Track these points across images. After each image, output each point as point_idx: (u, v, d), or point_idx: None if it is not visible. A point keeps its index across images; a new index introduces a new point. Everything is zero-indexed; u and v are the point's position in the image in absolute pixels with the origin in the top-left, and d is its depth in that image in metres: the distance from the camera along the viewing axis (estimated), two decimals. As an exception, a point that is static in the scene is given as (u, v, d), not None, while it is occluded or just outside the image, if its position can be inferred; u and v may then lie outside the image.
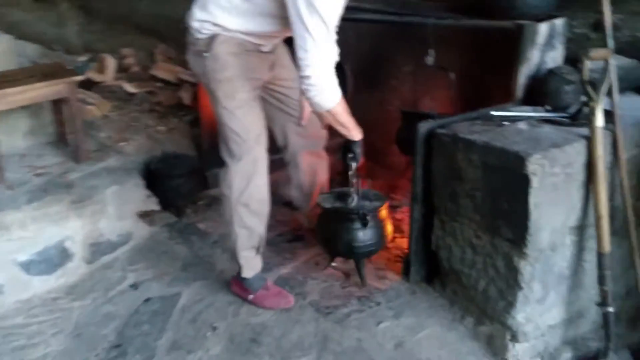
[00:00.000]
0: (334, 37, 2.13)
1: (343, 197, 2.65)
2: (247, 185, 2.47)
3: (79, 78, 3.22)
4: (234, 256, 2.61)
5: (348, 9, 2.54)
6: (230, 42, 2.32)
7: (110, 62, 4.36)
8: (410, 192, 3.30)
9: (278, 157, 2.92)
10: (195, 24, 2.35)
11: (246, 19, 2.28)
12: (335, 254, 2.76)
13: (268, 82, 2.59)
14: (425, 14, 2.96)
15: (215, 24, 2.30)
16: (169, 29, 4.77)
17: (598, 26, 2.74)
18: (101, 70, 4.34)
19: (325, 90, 2.18)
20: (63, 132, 3.39)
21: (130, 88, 4.13)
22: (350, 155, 2.50)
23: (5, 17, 4.45)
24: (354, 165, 2.52)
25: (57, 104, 3.30)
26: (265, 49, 2.44)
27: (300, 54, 2.11)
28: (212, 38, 2.33)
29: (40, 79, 3.04)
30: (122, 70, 4.52)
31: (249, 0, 2.25)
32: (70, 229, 2.89)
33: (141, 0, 4.67)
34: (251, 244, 2.58)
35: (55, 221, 2.85)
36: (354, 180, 2.58)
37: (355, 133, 2.45)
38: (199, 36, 2.35)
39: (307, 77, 2.14)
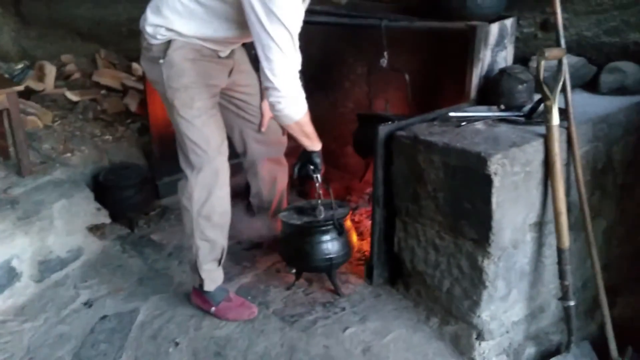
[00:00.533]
0: (297, 44, 2.06)
1: (304, 210, 2.60)
2: (208, 197, 2.39)
3: (19, 88, 3.06)
4: (195, 269, 2.52)
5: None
6: (187, 47, 2.22)
7: (50, 70, 4.17)
8: (367, 194, 3.36)
9: (237, 161, 2.86)
10: (148, 29, 2.23)
11: (202, 24, 2.19)
12: (307, 270, 2.66)
13: (226, 89, 2.52)
14: (377, 16, 2.97)
15: (169, 29, 2.20)
16: (111, 34, 4.62)
17: (545, 25, 2.83)
18: (40, 78, 4.14)
19: (294, 102, 2.13)
20: (4, 145, 3.21)
21: (72, 96, 3.96)
22: (311, 166, 2.44)
23: None
24: (317, 176, 2.47)
25: (-4, 116, 3.13)
26: (223, 54, 2.37)
27: (265, 63, 2.04)
28: (167, 44, 2.23)
29: (-23, 90, 2.87)
30: (62, 77, 4.34)
31: (205, 4, 2.15)
32: (16, 247, 2.74)
33: (80, 4, 4.48)
34: (213, 257, 2.50)
35: (0, 240, 2.69)
36: (318, 192, 2.52)
37: (316, 143, 2.41)
38: (153, 42, 2.24)
39: (276, 89, 2.07)
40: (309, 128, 2.31)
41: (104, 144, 3.57)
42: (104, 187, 3.24)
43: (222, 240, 2.50)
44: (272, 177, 2.86)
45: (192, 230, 2.44)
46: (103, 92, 4.12)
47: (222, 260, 2.57)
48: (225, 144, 2.42)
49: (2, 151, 3.23)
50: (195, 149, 2.33)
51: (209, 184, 2.37)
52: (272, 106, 2.15)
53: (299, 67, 2.11)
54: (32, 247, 2.80)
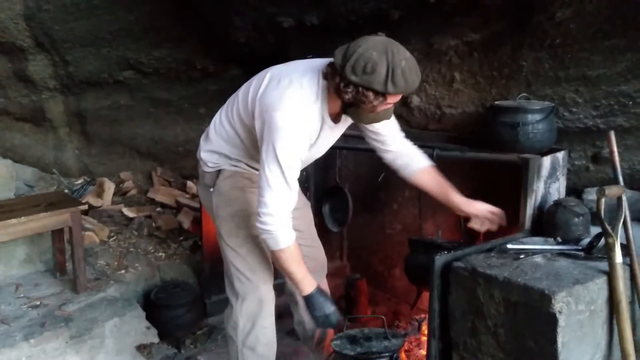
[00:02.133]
0: (294, 185, 2.14)
1: (357, 339, 2.54)
2: (253, 327, 2.39)
3: (84, 207, 3.20)
4: None
5: (347, 136, 2.66)
6: (236, 176, 2.33)
7: (109, 186, 4.37)
8: (417, 321, 3.29)
9: (282, 282, 2.87)
10: (202, 156, 2.39)
11: (242, 149, 2.31)
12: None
13: None
14: (428, 144, 3.06)
15: (219, 153, 2.34)
16: (168, 153, 4.86)
17: (597, 158, 2.86)
18: (99, 194, 4.33)
19: (274, 233, 2.14)
20: (62, 260, 3.31)
21: (129, 212, 4.11)
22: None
23: (4, 141, 4.49)
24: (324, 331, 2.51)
25: (57, 231, 3.25)
26: None
27: (259, 190, 2.12)
28: (218, 173, 2.36)
29: (45, 208, 3.02)
30: (120, 194, 4.52)
31: (237, 132, 2.29)
32: (66, 366, 2.75)
33: (141, 124, 4.77)
34: None
35: (51, 358, 2.71)
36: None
37: (302, 286, 2.28)
38: (206, 170, 2.39)
39: (261, 214, 2.12)
40: (291, 266, 2.23)
41: (157, 260, 3.65)
42: (154, 306, 3.27)
43: None
44: None
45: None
46: (158, 209, 4.27)
47: None
48: (271, 273, 2.42)
49: (60, 266, 3.32)
50: (240, 277, 2.37)
51: (254, 313, 2.38)
52: (259, 230, 2.17)
53: (292, 202, 2.16)
54: (82, 367, 2.80)
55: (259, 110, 2.13)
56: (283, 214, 2.13)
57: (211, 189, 2.39)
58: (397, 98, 2.12)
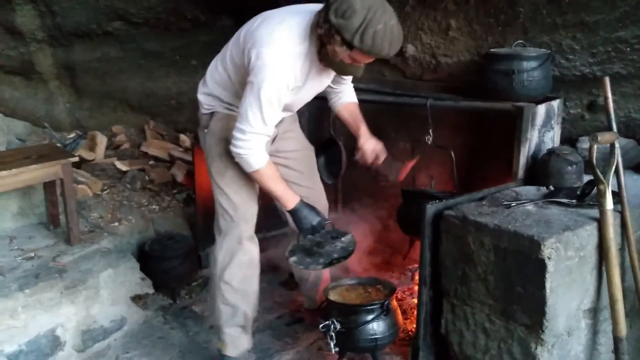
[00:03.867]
0: (270, 121, 2.22)
1: (309, 250, 2.51)
2: (230, 262, 2.45)
3: (74, 159, 3.17)
4: (218, 332, 2.56)
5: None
6: (228, 119, 2.36)
7: (101, 140, 4.33)
8: (410, 271, 3.32)
9: (281, 232, 2.88)
10: (199, 98, 2.46)
11: (233, 92, 2.36)
12: (351, 350, 2.59)
13: (270, 155, 2.57)
14: (422, 95, 3.02)
15: (213, 96, 2.41)
16: (160, 106, 4.80)
17: (592, 107, 2.84)
18: (91, 147, 4.29)
19: (245, 156, 2.24)
20: (55, 212, 3.30)
21: (121, 166, 4.09)
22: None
23: (-6, 94, 4.43)
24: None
25: (49, 184, 3.23)
26: None
27: (238, 117, 2.21)
28: (212, 115, 2.43)
29: (35, 160, 2.99)
30: (112, 147, 4.49)
31: (229, 73, 2.34)
32: (62, 316, 2.78)
33: (132, 78, 4.69)
34: (236, 322, 2.53)
35: (47, 308, 2.72)
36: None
37: (284, 202, 2.39)
38: (202, 111, 2.47)
39: (235, 138, 2.22)
40: (270, 185, 2.34)
41: (151, 213, 3.65)
42: (149, 257, 3.28)
43: (244, 306, 2.52)
44: None
45: (214, 293, 2.53)
46: (151, 162, 4.25)
47: (248, 328, 2.57)
48: (253, 213, 2.49)
49: (53, 219, 3.32)
50: (225, 215, 2.45)
51: (232, 249, 2.45)
52: (233, 154, 2.27)
53: (264, 133, 2.23)
54: (77, 317, 2.83)
55: (250, 45, 2.18)
56: (256, 140, 2.22)
57: (205, 130, 2.47)
58: (366, 58, 2.16)
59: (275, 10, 2.31)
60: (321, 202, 2.80)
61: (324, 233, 2.47)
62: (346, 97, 2.67)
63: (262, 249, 2.61)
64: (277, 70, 2.12)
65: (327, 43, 2.11)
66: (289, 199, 2.38)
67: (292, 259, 2.47)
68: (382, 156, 2.66)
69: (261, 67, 2.12)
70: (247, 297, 2.53)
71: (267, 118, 2.19)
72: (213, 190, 2.50)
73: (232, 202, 2.43)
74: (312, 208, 2.43)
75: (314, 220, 2.40)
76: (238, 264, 2.46)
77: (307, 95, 2.42)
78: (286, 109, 2.38)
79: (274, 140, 2.55)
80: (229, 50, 2.36)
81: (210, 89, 2.42)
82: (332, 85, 2.58)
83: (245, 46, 2.22)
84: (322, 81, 2.43)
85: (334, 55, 2.15)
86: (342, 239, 2.52)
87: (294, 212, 2.39)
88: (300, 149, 2.71)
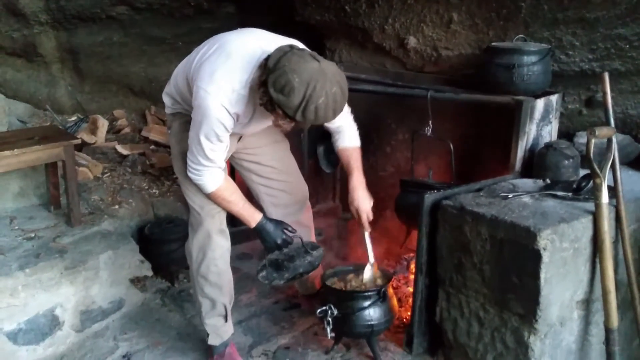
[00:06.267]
0: (216, 157, 2.24)
1: (279, 263, 2.48)
2: (204, 258, 2.49)
3: (77, 141, 3.19)
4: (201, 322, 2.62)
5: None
6: (188, 119, 2.30)
7: (102, 123, 4.35)
8: (406, 260, 3.36)
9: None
10: (163, 97, 2.49)
11: (189, 101, 2.31)
12: (348, 335, 2.63)
13: (237, 152, 2.61)
14: (423, 86, 3.06)
15: (173, 98, 2.42)
16: (161, 91, 4.79)
17: (590, 102, 2.87)
18: (93, 131, 4.31)
19: (199, 181, 2.30)
20: (56, 194, 3.32)
21: (122, 150, 4.11)
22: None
23: (-4, 76, 4.44)
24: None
25: (51, 166, 3.26)
26: None
27: (189, 146, 2.26)
28: (174, 115, 2.46)
29: (38, 142, 3.01)
30: (113, 131, 4.51)
31: (188, 87, 2.29)
32: (61, 296, 2.81)
33: (135, 63, 4.71)
34: (217, 313, 2.57)
35: (46, 288, 2.76)
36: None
37: (245, 220, 2.41)
38: (167, 111, 2.50)
39: (188, 166, 2.29)
40: (227, 205, 2.39)
41: (151, 197, 3.68)
42: (148, 240, 3.31)
43: (222, 299, 2.56)
44: None
45: (194, 286, 2.57)
46: (152, 147, 4.27)
47: (229, 316, 2.61)
48: (220, 209, 2.45)
49: (54, 200, 3.34)
50: (193, 212, 2.48)
51: (203, 245, 2.48)
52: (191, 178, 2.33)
53: (211, 167, 2.26)
54: (76, 297, 2.86)
55: (195, 75, 2.17)
56: (204, 170, 2.27)
57: (168, 131, 2.52)
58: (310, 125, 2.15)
59: (233, 39, 2.25)
60: (297, 192, 2.80)
61: (297, 247, 2.49)
62: (343, 141, 2.60)
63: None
64: (212, 113, 2.11)
65: (270, 110, 2.07)
66: (249, 219, 2.40)
67: (261, 274, 2.47)
68: (368, 216, 2.59)
69: (198, 107, 2.13)
70: (223, 290, 2.56)
71: (210, 154, 2.21)
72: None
73: (198, 198, 2.43)
74: (278, 224, 2.45)
75: (278, 238, 2.42)
76: (212, 259, 2.49)
77: (258, 128, 2.41)
78: (241, 133, 2.42)
79: (240, 138, 2.54)
80: (190, 62, 2.30)
81: (172, 91, 2.42)
82: (327, 125, 2.50)
83: (193, 73, 2.20)
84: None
85: (277, 120, 2.13)
86: (313, 253, 2.50)
87: (256, 231, 2.42)
88: (269, 143, 2.67)
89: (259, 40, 2.21)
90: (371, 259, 2.62)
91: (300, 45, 2.19)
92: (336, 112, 2.05)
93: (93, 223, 3.24)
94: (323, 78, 1.96)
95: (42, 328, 2.75)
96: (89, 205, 3.44)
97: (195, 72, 2.18)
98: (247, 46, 2.18)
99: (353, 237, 3.62)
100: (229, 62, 2.13)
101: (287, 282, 2.51)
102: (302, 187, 2.84)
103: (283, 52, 1.99)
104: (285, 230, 2.46)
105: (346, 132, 2.59)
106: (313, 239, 2.92)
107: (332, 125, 2.51)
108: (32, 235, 3.05)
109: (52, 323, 2.79)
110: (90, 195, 3.56)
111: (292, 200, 2.78)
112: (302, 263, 2.46)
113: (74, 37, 4.41)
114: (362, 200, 2.56)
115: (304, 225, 2.83)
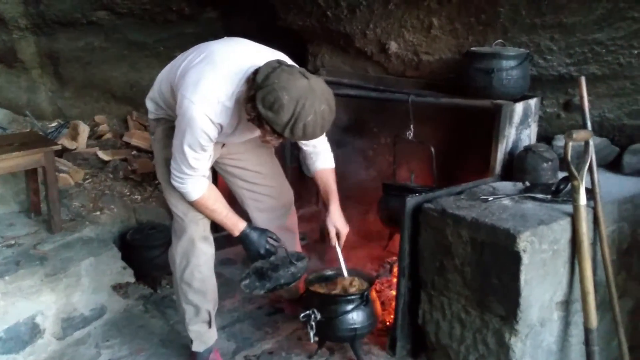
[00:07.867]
0: (200, 166, 2.23)
1: (263, 272, 2.47)
2: (188, 264, 2.47)
3: (57, 147, 3.17)
4: (184, 329, 2.60)
5: (328, 83, 2.64)
6: (172, 125, 2.29)
7: (83, 129, 4.32)
8: (389, 263, 3.38)
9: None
10: (146, 103, 2.46)
11: (173, 107, 2.28)
12: (331, 339, 2.62)
13: (221, 158, 2.59)
14: (404, 91, 3.08)
15: (157, 103, 2.40)
16: (143, 97, 4.75)
17: (568, 106, 2.92)
18: (74, 137, 4.28)
19: (183, 189, 2.30)
20: (36, 200, 3.29)
21: (104, 155, 4.08)
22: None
23: (-25, 82, 4.39)
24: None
25: (31, 172, 3.23)
26: None
27: (172, 156, 2.26)
28: (157, 121, 2.43)
29: (18, 148, 2.98)
30: (95, 137, 4.48)
31: (171, 93, 2.27)
32: (42, 303, 2.77)
33: (116, 68, 4.68)
34: (200, 319, 2.56)
35: (27, 295, 2.72)
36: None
37: (228, 229, 2.41)
38: (150, 117, 2.47)
39: (171, 174, 2.29)
40: (210, 214, 2.40)
41: (133, 203, 3.66)
42: (130, 246, 3.29)
43: (206, 305, 2.55)
44: None
45: (177, 293, 2.56)
46: (133, 152, 4.24)
47: (213, 323, 2.60)
48: (202, 215, 2.44)
49: (34, 207, 3.31)
50: (177, 218, 2.46)
51: (186, 251, 2.46)
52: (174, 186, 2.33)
53: (195, 175, 2.26)
54: (57, 304, 2.83)
55: (179, 83, 2.16)
56: (188, 179, 2.27)
57: (152, 136, 2.49)
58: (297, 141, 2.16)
59: (221, 48, 2.24)
60: (282, 196, 2.79)
61: (282, 257, 2.47)
62: (320, 163, 2.55)
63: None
64: (197, 124, 2.10)
65: (257, 126, 2.06)
66: (232, 227, 2.40)
67: (244, 283, 2.46)
68: (342, 240, 2.58)
69: (182, 116, 2.12)
70: (207, 296, 2.55)
71: (193, 164, 2.20)
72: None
73: (181, 205, 2.41)
74: (262, 233, 2.43)
75: (261, 248, 2.41)
76: (196, 266, 2.47)
77: (242, 138, 2.41)
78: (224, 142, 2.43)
79: (223, 145, 2.53)
80: (175, 67, 2.28)
81: (156, 96, 2.40)
82: (303, 146, 2.50)
83: (177, 80, 2.18)
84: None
85: (264, 135, 2.11)
86: (297, 264, 2.48)
87: (240, 240, 2.42)
88: (253, 148, 2.63)
89: (247, 51, 2.21)
90: (345, 274, 2.61)
91: (289, 60, 2.19)
92: (324, 129, 2.06)
93: (74, 229, 3.21)
94: (312, 96, 1.96)
95: (22, 336, 2.71)
96: (70, 212, 3.42)
97: (180, 80, 2.16)
98: (234, 57, 2.17)
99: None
100: (215, 72, 2.12)
101: (267, 292, 2.49)
102: (287, 192, 2.83)
103: (272, 68, 1.98)
104: (269, 239, 2.44)
105: (322, 153, 2.56)
106: (298, 244, 2.92)
107: (307, 145, 2.50)
108: (12, 242, 3.02)
109: (33, 331, 2.75)
110: (72, 201, 3.53)
111: (277, 204, 2.77)
112: (284, 274, 2.45)
113: (54, 42, 4.38)
114: (342, 226, 2.56)
115: (289, 230, 2.83)
